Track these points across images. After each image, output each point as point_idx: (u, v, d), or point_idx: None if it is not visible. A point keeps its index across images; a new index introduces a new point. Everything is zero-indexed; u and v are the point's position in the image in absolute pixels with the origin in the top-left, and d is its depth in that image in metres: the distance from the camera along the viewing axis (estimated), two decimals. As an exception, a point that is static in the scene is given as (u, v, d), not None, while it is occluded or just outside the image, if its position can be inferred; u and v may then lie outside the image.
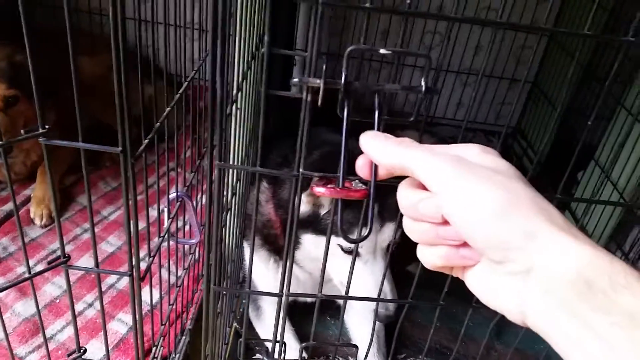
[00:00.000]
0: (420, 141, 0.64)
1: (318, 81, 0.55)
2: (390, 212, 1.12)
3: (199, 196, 1.28)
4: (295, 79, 0.56)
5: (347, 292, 0.79)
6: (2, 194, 1.75)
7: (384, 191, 0.62)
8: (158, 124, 0.74)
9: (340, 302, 1.35)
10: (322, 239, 1.17)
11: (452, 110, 2.46)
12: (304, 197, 1.13)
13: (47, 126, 0.65)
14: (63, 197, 1.74)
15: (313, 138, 1.47)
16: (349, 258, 1.15)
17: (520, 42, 2.34)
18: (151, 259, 0.79)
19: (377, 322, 1.41)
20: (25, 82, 1.56)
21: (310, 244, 1.19)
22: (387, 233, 1.14)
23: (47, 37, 1.64)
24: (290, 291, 0.80)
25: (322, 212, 1.14)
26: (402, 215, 0.54)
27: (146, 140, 0.69)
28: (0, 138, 0.64)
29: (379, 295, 0.81)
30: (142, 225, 1.33)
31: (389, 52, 0.56)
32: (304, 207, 1.15)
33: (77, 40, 0.63)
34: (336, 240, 1.17)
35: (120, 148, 0.62)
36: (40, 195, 1.68)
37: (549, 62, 2.29)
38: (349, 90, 0.56)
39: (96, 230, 1.63)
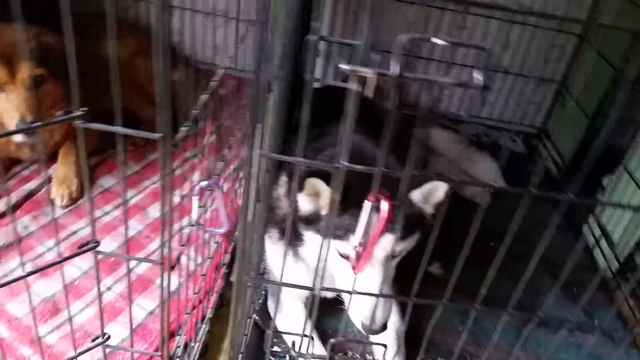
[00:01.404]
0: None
1: (370, 71, 0.53)
2: (391, 222, 1.09)
3: (220, 183, 1.27)
4: (345, 66, 0.54)
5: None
6: (23, 173, 1.75)
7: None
8: (197, 111, 0.73)
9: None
10: (320, 238, 1.15)
11: (476, 108, 2.42)
12: (306, 196, 1.11)
13: (83, 109, 0.63)
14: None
15: (336, 134, 1.44)
16: (345, 262, 1.13)
17: (549, 41, 2.29)
18: (182, 247, 0.78)
19: (398, 324, 1.39)
20: (52, 62, 1.56)
21: (312, 241, 1.17)
22: (384, 244, 1.10)
23: (72, 20, 1.63)
24: (308, 285, 0.79)
25: (323, 212, 1.13)
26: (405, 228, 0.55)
27: (185, 127, 0.67)
28: (35, 120, 0.62)
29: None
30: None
31: (444, 42, 0.54)
32: (307, 206, 1.14)
33: (103, 24, 0.62)
34: (332, 244, 1.15)
35: (161, 134, 0.61)
36: (61, 176, 1.68)
37: (578, 62, 2.24)
38: (399, 82, 0.54)
39: (117, 213, 1.63)
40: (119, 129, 0.62)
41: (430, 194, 1.13)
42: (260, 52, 0.56)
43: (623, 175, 1.81)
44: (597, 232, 1.91)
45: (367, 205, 0.69)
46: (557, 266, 1.67)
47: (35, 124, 0.60)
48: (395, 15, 2.26)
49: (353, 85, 0.56)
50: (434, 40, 0.55)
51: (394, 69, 0.53)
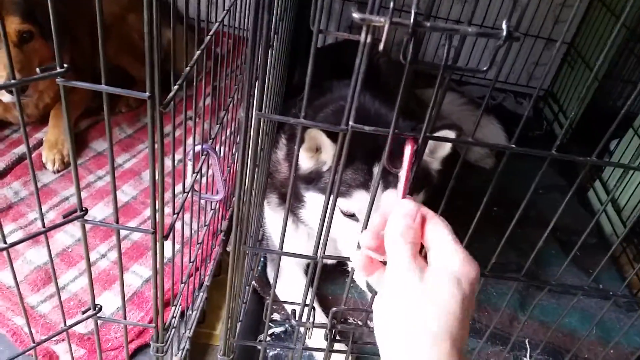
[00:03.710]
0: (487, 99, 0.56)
1: (382, 19, 0.47)
2: (396, 177, 1.04)
3: (216, 147, 1.21)
4: (357, 15, 0.47)
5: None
6: (13, 137, 1.68)
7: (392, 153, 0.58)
8: (188, 68, 0.66)
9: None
10: (324, 198, 1.11)
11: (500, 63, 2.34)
12: (306, 153, 1.06)
13: (65, 65, 0.57)
14: (76, 142, 1.68)
15: (333, 92, 1.37)
16: (349, 221, 1.09)
17: (560, 0, 2.19)
18: (175, 215, 0.73)
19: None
20: (42, 18, 1.48)
21: (314, 202, 1.12)
22: (389, 200, 1.04)
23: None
24: (306, 252, 0.74)
25: (324, 168, 1.07)
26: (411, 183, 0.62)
27: (176, 87, 0.61)
28: (14, 76, 0.56)
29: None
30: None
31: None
32: (307, 163, 1.08)
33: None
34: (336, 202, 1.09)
35: (148, 93, 0.55)
36: (52, 139, 1.61)
37: (589, 22, 2.15)
38: (418, 32, 0.48)
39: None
40: (103, 88, 0.56)
41: (437, 148, 1.08)
42: (258, 2, 0.50)
43: (632, 139, 1.76)
44: (604, 196, 1.88)
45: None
46: (560, 229, 1.65)
47: (14, 81, 0.54)
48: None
49: (363, 37, 0.50)
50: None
51: (411, 17, 0.46)
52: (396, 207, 0.60)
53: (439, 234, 0.58)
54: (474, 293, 0.55)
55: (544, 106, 2.39)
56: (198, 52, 0.72)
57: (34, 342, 0.78)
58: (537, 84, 2.38)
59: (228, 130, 1.29)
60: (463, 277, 0.54)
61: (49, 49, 1.51)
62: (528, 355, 1.35)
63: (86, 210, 0.68)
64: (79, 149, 1.66)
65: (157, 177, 0.62)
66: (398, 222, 0.59)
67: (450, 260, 0.55)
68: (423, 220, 0.60)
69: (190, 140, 0.89)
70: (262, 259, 1.41)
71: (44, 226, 0.68)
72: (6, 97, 1.47)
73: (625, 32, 1.91)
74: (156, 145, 0.58)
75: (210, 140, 0.93)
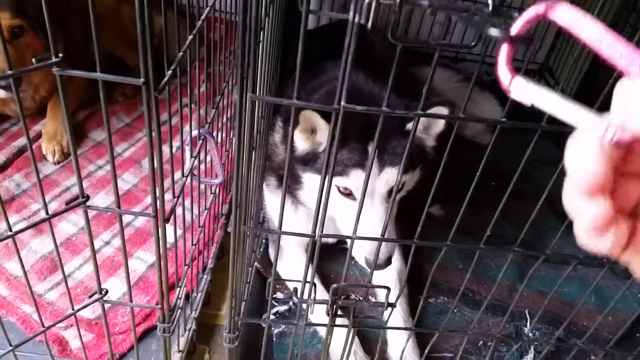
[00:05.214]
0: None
1: (369, -3, 0.48)
2: (391, 155, 1.06)
3: (214, 133, 1.22)
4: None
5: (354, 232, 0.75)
6: (12, 130, 1.70)
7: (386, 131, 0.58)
8: (181, 53, 0.67)
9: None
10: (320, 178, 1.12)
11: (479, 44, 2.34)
12: (302, 134, 1.07)
13: (60, 54, 0.58)
14: (75, 132, 1.69)
15: (327, 73, 1.37)
16: (346, 200, 1.11)
17: (553, -29, 2.18)
18: (175, 199, 0.74)
19: (400, 266, 1.39)
20: (32, 12, 1.48)
21: (311, 183, 1.14)
22: (386, 178, 1.06)
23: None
24: (305, 232, 0.76)
25: (320, 149, 1.09)
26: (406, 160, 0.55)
27: (170, 72, 0.62)
28: (10, 67, 0.57)
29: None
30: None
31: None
32: (303, 145, 1.10)
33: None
34: (333, 181, 1.11)
35: (142, 79, 0.56)
36: (51, 131, 1.63)
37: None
38: (402, 9, 0.49)
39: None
40: (98, 75, 0.57)
41: (431, 124, 1.09)
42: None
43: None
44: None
45: None
46: (557, 201, 1.66)
47: (10, 72, 0.55)
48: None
49: (352, 16, 0.51)
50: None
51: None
52: None
53: None
54: None
55: (540, 79, 2.39)
56: (190, 37, 0.73)
57: (43, 326, 0.81)
58: (532, 59, 2.38)
59: (225, 117, 1.30)
60: None
61: (41, 43, 1.51)
62: (528, 324, 1.38)
63: (88, 197, 0.70)
64: (78, 140, 1.68)
65: (155, 162, 0.63)
66: None
67: None
68: None
69: (187, 126, 0.90)
70: (263, 241, 1.43)
71: (47, 214, 0.70)
72: (1, 93, 1.48)
73: (620, 2, 1.90)
74: (153, 131, 0.59)
75: (207, 125, 0.94)
